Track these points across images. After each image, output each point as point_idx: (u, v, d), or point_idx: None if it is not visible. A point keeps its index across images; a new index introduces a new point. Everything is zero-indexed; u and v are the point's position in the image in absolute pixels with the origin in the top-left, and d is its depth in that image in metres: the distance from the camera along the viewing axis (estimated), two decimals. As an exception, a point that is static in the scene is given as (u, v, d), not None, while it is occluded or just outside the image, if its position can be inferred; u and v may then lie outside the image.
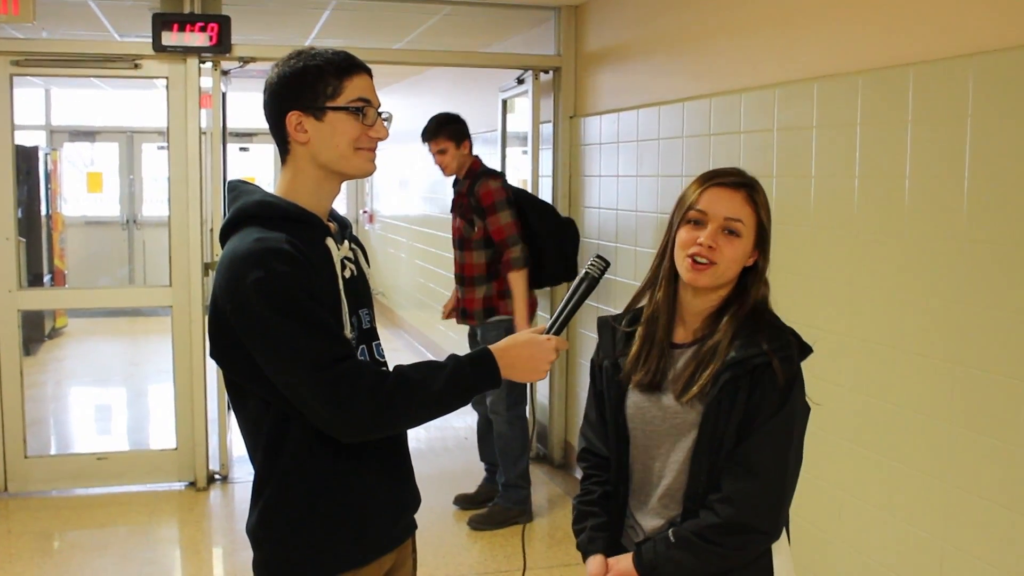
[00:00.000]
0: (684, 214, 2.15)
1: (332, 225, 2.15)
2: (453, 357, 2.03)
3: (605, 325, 2.33)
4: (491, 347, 2.06)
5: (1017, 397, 2.70)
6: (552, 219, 5.35)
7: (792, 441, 2.10)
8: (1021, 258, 2.68)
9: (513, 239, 5.03)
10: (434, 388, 1.96)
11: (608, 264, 2.20)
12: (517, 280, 5.03)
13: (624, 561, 2.17)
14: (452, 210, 5.27)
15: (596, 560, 2.22)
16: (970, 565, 2.88)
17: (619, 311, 2.36)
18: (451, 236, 5.29)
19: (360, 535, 2.09)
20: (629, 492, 2.26)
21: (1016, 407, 2.70)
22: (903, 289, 3.12)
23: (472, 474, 5.79)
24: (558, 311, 2.16)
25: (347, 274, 2.09)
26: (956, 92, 2.88)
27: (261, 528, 2.08)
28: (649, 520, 2.20)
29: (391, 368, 2.02)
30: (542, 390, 6.45)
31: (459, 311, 5.31)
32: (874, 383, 3.26)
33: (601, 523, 2.27)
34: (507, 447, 5.20)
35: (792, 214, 3.65)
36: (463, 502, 5.49)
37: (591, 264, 2.18)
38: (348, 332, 2.03)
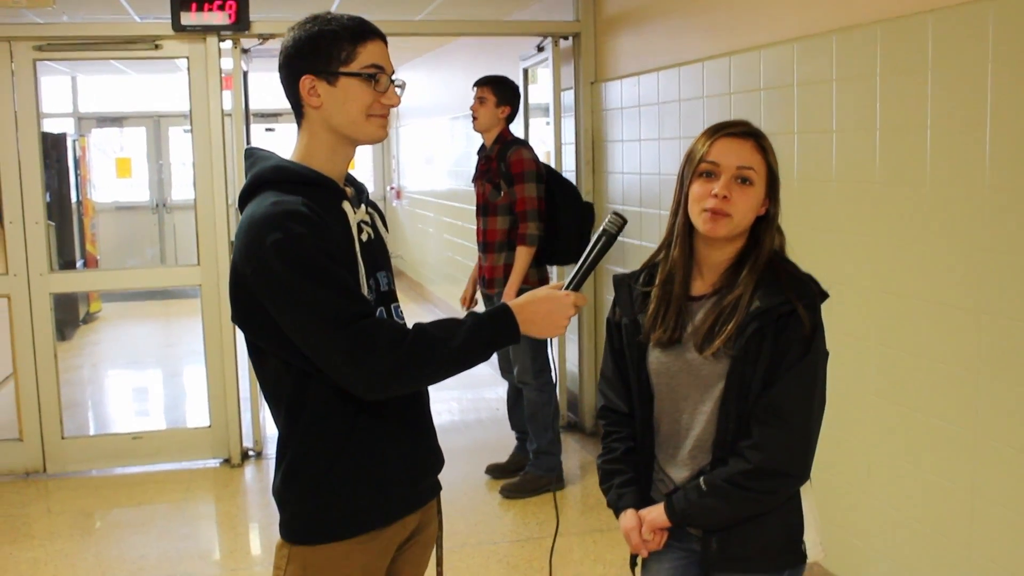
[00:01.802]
0: (696, 167, 2.15)
1: (349, 189, 2.16)
2: (472, 314, 2.04)
3: (622, 283, 2.33)
4: (510, 303, 2.06)
5: (1044, 344, 2.67)
6: (576, 198, 5.31)
7: (816, 385, 2.11)
8: (1045, 204, 2.64)
9: (533, 214, 5.02)
10: (453, 343, 1.97)
11: (625, 221, 2.20)
12: (523, 255, 5.03)
13: (656, 511, 2.20)
14: (477, 177, 5.26)
15: (628, 515, 2.25)
16: (1000, 514, 2.86)
17: (625, 272, 2.36)
18: (475, 204, 5.29)
19: (382, 495, 2.10)
20: (656, 446, 2.27)
21: (1044, 355, 2.68)
22: (926, 240, 3.08)
23: (504, 445, 5.81)
24: (576, 267, 2.16)
25: (364, 237, 2.10)
26: (976, 38, 2.84)
27: (284, 488, 2.11)
28: (679, 472, 2.21)
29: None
30: (571, 358, 6.45)
31: (480, 280, 5.32)
32: (899, 335, 3.24)
33: (628, 479, 2.29)
34: (537, 414, 5.21)
35: (814, 169, 3.62)
36: (495, 471, 5.51)
37: (609, 221, 2.18)
38: (366, 294, 2.04)
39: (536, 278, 5.10)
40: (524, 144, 5.19)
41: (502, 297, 5.01)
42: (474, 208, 5.34)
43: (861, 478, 3.45)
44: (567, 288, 2.12)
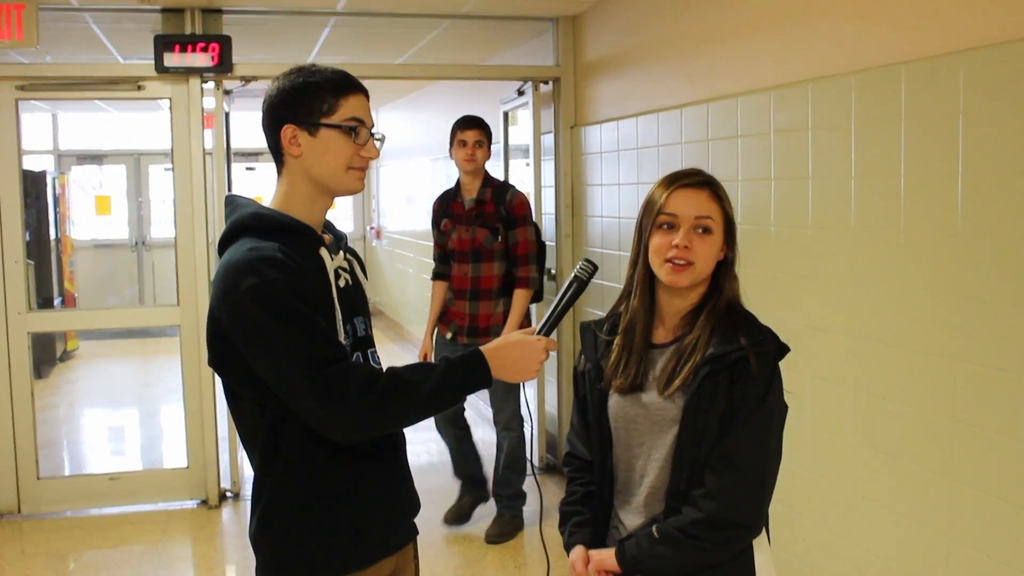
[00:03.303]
0: (654, 220, 2.19)
1: (327, 236, 2.19)
2: (445, 358, 2.07)
3: (587, 330, 2.36)
4: (482, 348, 2.09)
5: (1017, 391, 2.71)
6: (538, 236, 5.30)
7: (771, 437, 2.13)
8: (1017, 253, 2.69)
9: (533, 256, 5.03)
10: (426, 388, 1.99)
11: (596, 268, 2.25)
12: (524, 299, 5.02)
13: (607, 553, 2.21)
14: (463, 223, 5.09)
15: (576, 550, 2.27)
16: (976, 560, 2.88)
17: (592, 320, 2.40)
18: (457, 249, 5.11)
19: (358, 538, 2.11)
20: (614, 493, 2.29)
21: (1016, 401, 2.71)
22: (902, 287, 3.13)
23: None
24: (548, 312, 2.20)
25: (341, 283, 2.14)
26: (948, 89, 2.90)
27: (260, 532, 2.12)
28: (632, 519, 2.23)
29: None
30: (551, 400, 6.46)
31: (465, 328, 5.11)
32: (875, 382, 3.27)
33: (583, 519, 2.31)
34: (518, 460, 5.22)
35: (791, 215, 3.66)
36: (454, 520, 5.37)
37: (580, 267, 2.22)
38: (342, 339, 2.07)
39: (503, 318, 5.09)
40: (513, 186, 5.20)
41: None
42: (448, 254, 5.19)
43: (836, 523, 3.47)
44: (539, 333, 2.15)
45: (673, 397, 2.13)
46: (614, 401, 2.24)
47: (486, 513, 5.39)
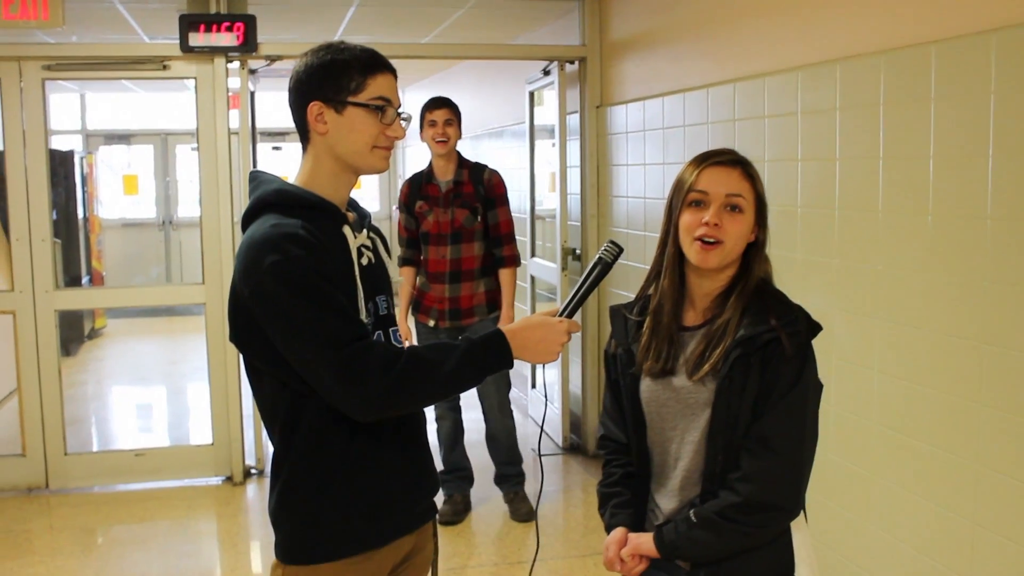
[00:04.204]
0: (684, 197, 2.16)
1: (350, 214, 2.19)
2: (466, 339, 2.06)
3: (617, 314, 2.34)
4: (504, 328, 2.08)
5: (1045, 375, 2.68)
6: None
7: (807, 417, 2.10)
8: (1046, 234, 2.66)
9: (513, 234, 5.01)
10: (447, 368, 1.99)
11: (621, 250, 2.22)
12: (513, 276, 5.00)
13: (645, 538, 2.19)
14: (440, 205, 5.00)
15: (616, 531, 2.25)
16: (1001, 546, 2.86)
17: (621, 303, 2.38)
18: (433, 232, 5.01)
19: (376, 516, 2.12)
20: (651, 476, 2.27)
21: (1044, 385, 2.69)
22: (929, 270, 3.10)
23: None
24: (571, 294, 2.18)
25: (364, 261, 2.14)
26: (979, 68, 2.86)
27: (279, 508, 2.13)
28: (668, 502, 2.21)
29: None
30: (574, 380, 6.46)
31: (447, 312, 5.02)
32: (901, 365, 3.25)
33: (623, 500, 2.29)
34: (516, 441, 5.28)
35: (818, 197, 3.63)
36: (452, 518, 5.15)
37: (605, 249, 2.20)
38: (364, 317, 2.07)
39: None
40: (488, 165, 5.14)
41: (502, 321, 4.97)
42: (418, 239, 5.11)
43: (861, 507, 3.45)
44: (561, 315, 2.14)
45: (704, 381, 2.11)
46: (646, 385, 2.22)
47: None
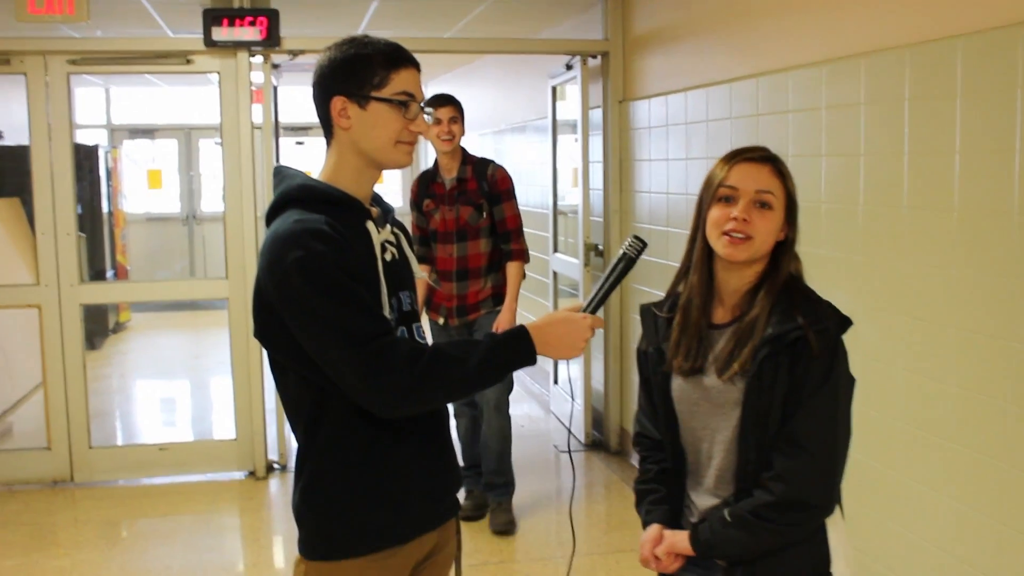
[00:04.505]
0: (714, 193, 2.15)
1: (374, 209, 2.19)
2: (490, 335, 2.06)
3: (647, 312, 2.34)
4: (527, 325, 2.08)
5: (1072, 373, 2.65)
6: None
7: (839, 414, 2.09)
8: (1074, 231, 2.62)
9: (521, 229, 4.96)
10: (470, 364, 1.98)
11: (645, 244, 2.21)
12: (520, 271, 4.94)
13: (681, 536, 2.19)
14: (445, 203, 4.96)
15: (652, 528, 2.26)
16: (1027, 545, 2.83)
17: (652, 302, 2.37)
18: (440, 230, 4.99)
19: (399, 513, 2.12)
20: (686, 473, 2.27)
21: (1072, 383, 2.65)
22: (954, 266, 3.07)
23: (530, 462, 5.81)
24: (595, 290, 2.17)
25: (387, 257, 2.13)
26: (1005, 62, 2.82)
27: (302, 504, 2.13)
28: (703, 500, 2.21)
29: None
30: (597, 376, 6.45)
31: (454, 309, 4.99)
32: (926, 361, 3.22)
33: (659, 497, 2.29)
34: (510, 445, 5.11)
35: (842, 192, 3.60)
36: (474, 513, 5.14)
37: (629, 244, 2.19)
38: (387, 313, 2.06)
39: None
40: (493, 161, 5.07)
41: (502, 314, 4.91)
42: (429, 236, 5.07)
43: (886, 505, 3.43)
44: (585, 311, 2.13)
45: (733, 380, 2.11)
46: (677, 384, 2.22)
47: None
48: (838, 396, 2.08)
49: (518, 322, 2.17)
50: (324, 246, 1.95)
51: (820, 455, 2.07)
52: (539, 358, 2.07)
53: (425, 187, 5.10)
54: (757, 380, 2.07)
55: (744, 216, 2.09)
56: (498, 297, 5.00)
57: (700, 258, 2.20)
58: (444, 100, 4.95)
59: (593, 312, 2.14)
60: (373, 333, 1.94)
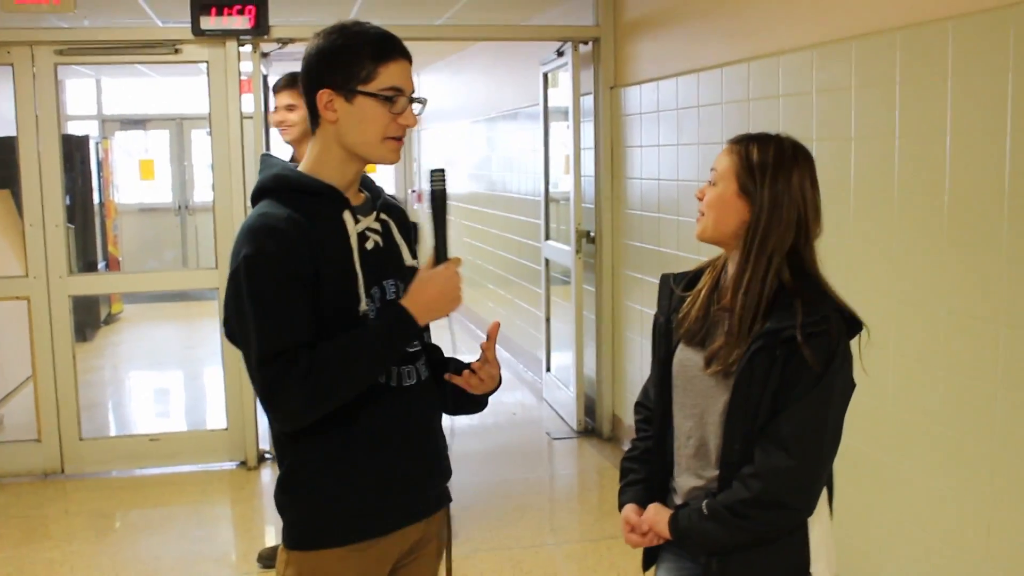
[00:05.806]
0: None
1: (361, 195, 2.15)
2: (371, 322, 2.04)
3: (665, 283, 2.33)
4: (402, 301, 2.05)
5: (1064, 357, 2.64)
6: None
7: (828, 419, 2.04)
8: (1066, 214, 2.61)
9: None
10: (361, 359, 1.98)
11: (443, 171, 2.18)
12: None
13: (662, 516, 2.18)
14: None
15: (627, 508, 2.28)
16: (1018, 528, 2.82)
17: (676, 272, 2.35)
18: None
19: (378, 503, 2.09)
20: (672, 451, 2.25)
21: (1063, 367, 2.64)
22: (945, 249, 3.05)
23: (523, 449, 5.80)
24: (433, 239, 2.14)
25: (369, 246, 2.09)
26: (997, 45, 2.80)
27: (282, 494, 2.13)
28: (684, 480, 2.20)
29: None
30: (589, 363, 6.43)
31: None
32: (916, 345, 3.20)
33: (636, 479, 2.31)
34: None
35: (833, 177, 3.58)
36: None
37: (432, 181, 2.17)
38: (364, 304, 2.03)
39: None
40: None
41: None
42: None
43: (876, 490, 3.42)
44: (438, 262, 2.10)
45: (725, 366, 2.09)
46: (677, 358, 2.21)
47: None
48: (830, 401, 2.04)
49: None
50: (276, 246, 1.93)
51: (803, 459, 2.02)
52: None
53: None
54: (748, 371, 2.03)
55: (699, 195, 2.17)
56: None
57: None
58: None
59: (444, 259, 2.11)
60: (280, 349, 1.92)
